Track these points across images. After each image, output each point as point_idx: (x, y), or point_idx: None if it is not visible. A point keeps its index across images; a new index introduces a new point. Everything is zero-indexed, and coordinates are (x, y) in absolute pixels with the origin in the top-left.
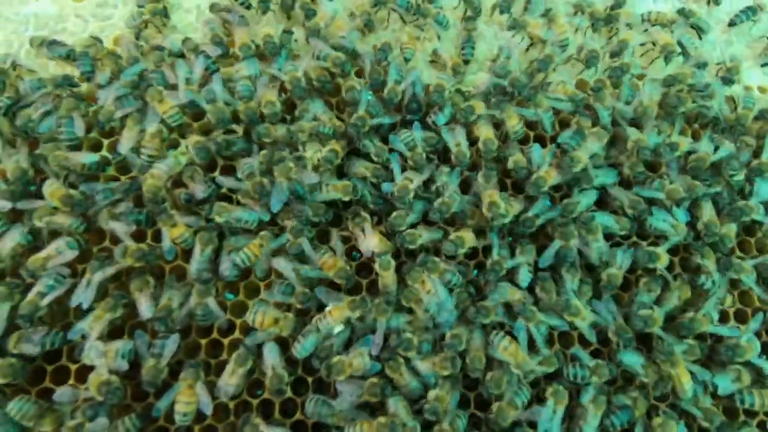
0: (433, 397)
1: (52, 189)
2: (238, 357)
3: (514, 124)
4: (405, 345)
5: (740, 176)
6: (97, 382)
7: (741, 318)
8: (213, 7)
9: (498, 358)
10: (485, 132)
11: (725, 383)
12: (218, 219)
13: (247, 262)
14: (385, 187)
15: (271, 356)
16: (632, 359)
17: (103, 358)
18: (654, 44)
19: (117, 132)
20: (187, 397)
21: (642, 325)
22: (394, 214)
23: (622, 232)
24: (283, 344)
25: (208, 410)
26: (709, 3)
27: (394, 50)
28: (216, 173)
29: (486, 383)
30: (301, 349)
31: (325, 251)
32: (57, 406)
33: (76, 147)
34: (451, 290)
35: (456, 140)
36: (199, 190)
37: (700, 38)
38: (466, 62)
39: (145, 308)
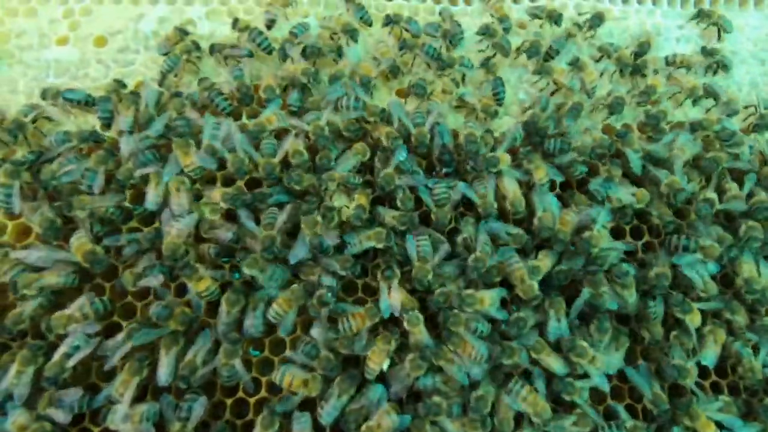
0: None
1: (79, 243)
2: (264, 420)
3: (541, 176)
4: (434, 410)
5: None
6: None
7: None
8: (213, 48)
9: (518, 410)
10: (512, 189)
11: None
12: (246, 271)
13: (278, 318)
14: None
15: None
16: None
17: (128, 422)
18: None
19: (138, 185)
20: None
21: (676, 375)
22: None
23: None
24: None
25: None
26: (720, 36)
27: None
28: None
29: None
30: (326, 415)
31: (346, 325)
32: None
33: None
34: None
35: (480, 192)
36: (225, 232)
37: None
38: (500, 104)
39: (163, 374)
